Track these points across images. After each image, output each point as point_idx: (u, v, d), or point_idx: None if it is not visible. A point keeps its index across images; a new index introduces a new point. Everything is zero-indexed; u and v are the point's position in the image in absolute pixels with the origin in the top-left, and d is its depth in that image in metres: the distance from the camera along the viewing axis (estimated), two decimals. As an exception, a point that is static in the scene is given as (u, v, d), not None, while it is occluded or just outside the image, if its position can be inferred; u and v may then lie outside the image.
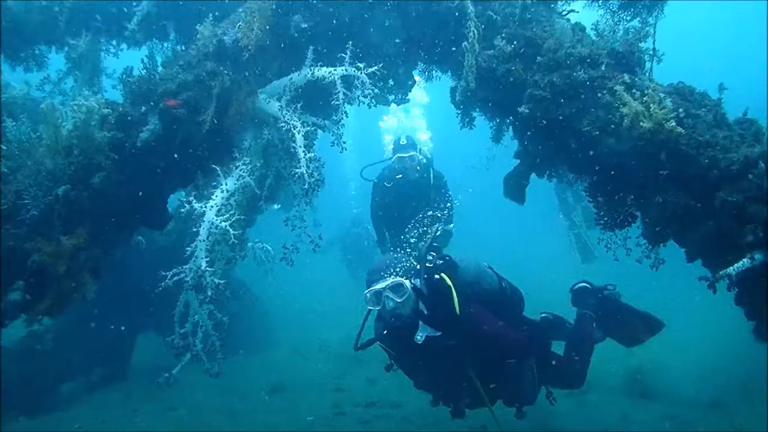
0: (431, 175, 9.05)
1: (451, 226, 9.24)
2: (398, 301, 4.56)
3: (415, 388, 5.16)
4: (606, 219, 5.07)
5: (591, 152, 4.86)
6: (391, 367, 5.07)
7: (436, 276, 4.74)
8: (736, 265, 4.23)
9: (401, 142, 8.89)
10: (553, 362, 5.34)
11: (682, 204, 4.55)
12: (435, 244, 5.09)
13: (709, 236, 4.49)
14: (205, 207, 5.17)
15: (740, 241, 4.26)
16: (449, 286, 4.65)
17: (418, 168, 8.93)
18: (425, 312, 4.64)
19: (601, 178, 5.04)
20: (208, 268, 5.15)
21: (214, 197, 5.21)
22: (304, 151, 5.12)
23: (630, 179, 4.80)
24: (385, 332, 4.73)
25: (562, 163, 5.33)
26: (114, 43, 6.63)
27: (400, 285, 4.59)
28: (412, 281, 4.69)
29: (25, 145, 5.37)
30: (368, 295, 4.65)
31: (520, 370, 4.91)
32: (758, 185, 4.28)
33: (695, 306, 10.93)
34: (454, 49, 5.70)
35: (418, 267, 4.81)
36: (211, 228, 5.23)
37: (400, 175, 8.91)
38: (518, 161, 5.56)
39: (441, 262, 4.92)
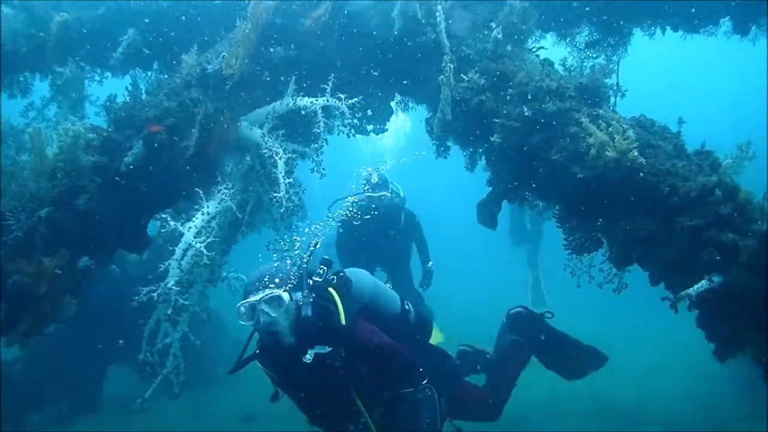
0: (402, 217, 8.69)
1: (430, 264, 9.08)
2: (274, 315, 3.98)
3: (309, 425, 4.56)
4: (574, 244, 5.30)
5: (559, 180, 5.09)
6: (276, 396, 4.45)
7: (324, 289, 4.31)
8: (695, 286, 4.46)
9: (372, 180, 8.32)
10: (465, 392, 5.10)
11: (646, 229, 4.77)
12: (326, 257, 4.55)
13: (671, 259, 4.71)
14: (184, 228, 5.30)
15: (699, 264, 4.52)
16: (335, 299, 4.22)
17: (390, 209, 8.46)
18: (309, 327, 4.06)
19: (569, 205, 5.27)
20: (174, 287, 5.25)
21: (194, 219, 5.35)
22: (284, 177, 5.29)
23: (596, 206, 5.02)
24: (257, 351, 4.23)
25: (532, 191, 5.55)
26: (98, 71, 6.79)
27: (278, 297, 4.00)
28: (296, 294, 4.12)
29: (9, 169, 5.47)
30: (241, 308, 4.05)
31: (418, 398, 4.44)
32: (715, 211, 4.56)
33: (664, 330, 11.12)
34: (428, 81, 5.96)
35: (310, 281, 4.28)
36: (186, 249, 5.37)
37: (368, 216, 8.15)
38: (490, 188, 5.78)
39: (333, 276, 4.45)
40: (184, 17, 6.50)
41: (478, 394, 5.23)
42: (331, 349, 4.02)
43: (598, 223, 5.11)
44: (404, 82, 6.20)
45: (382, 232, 8.51)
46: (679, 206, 4.66)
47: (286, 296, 4.03)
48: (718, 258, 4.44)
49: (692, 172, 4.77)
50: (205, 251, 5.20)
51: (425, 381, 4.54)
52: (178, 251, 5.30)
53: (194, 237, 5.25)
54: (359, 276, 4.62)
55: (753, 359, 4.58)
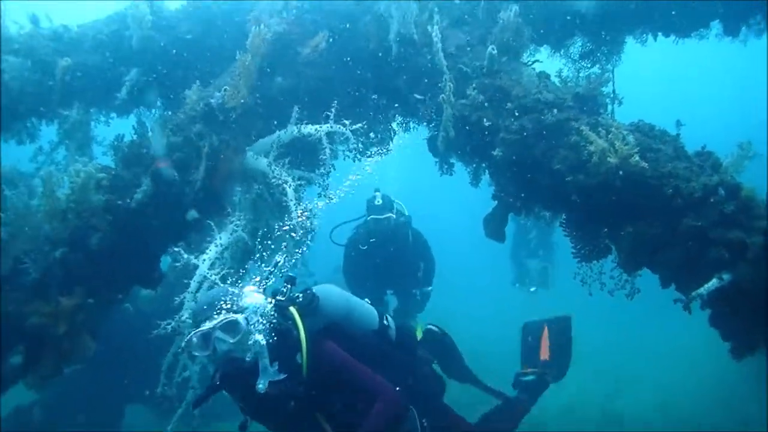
0: (410, 236, 8.43)
1: (430, 288, 8.84)
2: (232, 342, 3.64)
3: None
4: (582, 252, 5.35)
5: (563, 189, 5.15)
6: (245, 426, 4.02)
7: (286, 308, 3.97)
8: (706, 285, 4.51)
9: (376, 202, 8.13)
10: (451, 414, 4.73)
11: (652, 232, 4.83)
12: (290, 274, 4.24)
13: (680, 261, 4.76)
14: (198, 260, 5.37)
15: (708, 263, 4.57)
16: (295, 320, 3.87)
17: (396, 229, 8.24)
18: (267, 353, 3.73)
19: (575, 213, 5.33)
20: (188, 320, 5.30)
21: (208, 251, 5.42)
22: (295, 204, 5.37)
23: (602, 212, 5.08)
24: (217, 382, 3.79)
25: (536, 202, 5.62)
26: (104, 112, 6.92)
27: (234, 323, 3.65)
28: (253, 317, 3.76)
29: (21, 212, 5.57)
30: (194, 338, 3.67)
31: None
32: (719, 210, 4.62)
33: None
34: (427, 101, 6.07)
35: (270, 301, 3.94)
36: (201, 281, 5.43)
37: (374, 239, 8.16)
38: (496, 202, 5.85)
39: (298, 295, 4.11)
40: (185, 54, 6.63)
41: (465, 423, 4.83)
42: (286, 375, 3.70)
43: (605, 230, 5.17)
44: (404, 103, 6.30)
45: (391, 254, 8.25)
46: (683, 207, 4.72)
47: (242, 319, 3.67)
48: (727, 256, 4.50)
49: (694, 173, 4.84)
50: (220, 283, 5.25)
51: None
52: (193, 284, 5.36)
53: (208, 269, 5.32)
54: (328, 292, 4.25)
55: (765, 355, 4.62)
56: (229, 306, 3.71)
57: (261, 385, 3.63)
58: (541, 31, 6.41)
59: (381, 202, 8.13)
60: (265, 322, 3.76)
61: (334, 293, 4.29)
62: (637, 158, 4.76)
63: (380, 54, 6.20)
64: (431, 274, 8.74)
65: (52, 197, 5.45)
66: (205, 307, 3.77)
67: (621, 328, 14.39)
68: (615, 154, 4.76)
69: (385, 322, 4.48)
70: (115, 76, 6.70)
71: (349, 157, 5.99)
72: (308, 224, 5.47)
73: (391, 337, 4.48)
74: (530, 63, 6.01)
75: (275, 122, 6.07)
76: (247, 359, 3.68)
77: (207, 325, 3.65)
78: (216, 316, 3.68)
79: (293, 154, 6.00)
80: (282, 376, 3.69)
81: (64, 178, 5.38)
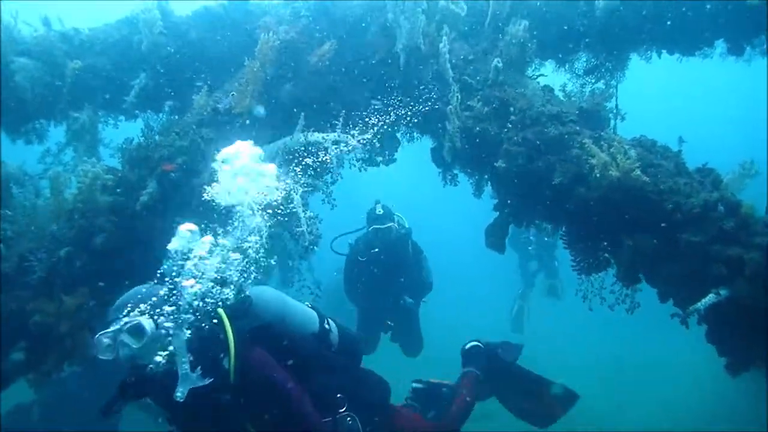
0: (410, 249, 8.28)
1: (417, 302, 8.51)
2: (136, 347, 3.28)
3: None
4: (582, 264, 5.39)
5: (564, 202, 5.20)
6: None
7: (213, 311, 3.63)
8: (703, 300, 4.56)
9: (377, 212, 8.00)
10: (399, 420, 4.54)
11: (651, 246, 4.88)
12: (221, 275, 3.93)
13: (678, 275, 4.81)
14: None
15: (706, 278, 4.61)
16: (223, 323, 3.56)
17: (397, 240, 8.10)
18: (188, 357, 3.37)
19: (576, 226, 5.37)
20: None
21: (214, 255, 5.45)
22: (303, 211, 5.41)
23: (602, 225, 5.13)
24: (119, 389, 3.39)
25: (538, 214, 5.67)
26: (112, 114, 7.00)
27: (137, 326, 3.30)
28: (172, 319, 3.41)
29: (28, 211, 5.64)
30: (103, 339, 3.30)
31: (336, 430, 3.87)
32: (719, 226, 4.67)
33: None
34: (432, 111, 6.13)
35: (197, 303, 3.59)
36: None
37: (375, 249, 8.04)
38: (497, 213, 5.89)
39: (230, 296, 3.80)
40: (194, 59, 6.71)
41: (416, 424, 4.74)
42: (209, 381, 3.32)
43: (605, 243, 5.21)
44: (409, 112, 6.36)
45: (392, 264, 8.14)
46: (683, 223, 4.77)
47: (148, 323, 3.32)
48: (725, 272, 4.54)
49: (694, 189, 4.89)
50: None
51: (344, 409, 3.99)
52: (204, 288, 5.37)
53: (215, 272, 5.35)
54: (263, 293, 4.01)
55: (764, 371, 4.64)
56: (144, 306, 3.38)
57: (179, 393, 3.26)
58: (547, 46, 6.47)
59: (382, 212, 8.03)
60: (187, 324, 3.42)
61: (268, 294, 4.07)
62: (639, 172, 4.82)
63: (387, 64, 6.26)
64: (426, 288, 8.57)
65: (59, 197, 5.52)
66: (117, 306, 3.46)
67: (624, 342, 14.42)
68: (617, 167, 4.81)
69: (326, 325, 4.25)
70: (124, 79, 6.77)
71: (355, 166, 6.05)
72: (316, 230, 5.53)
73: (331, 341, 4.27)
74: (535, 77, 6.07)
75: (282, 129, 6.13)
76: (156, 365, 3.32)
77: (112, 327, 3.32)
78: (123, 318, 3.35)
79: (298, 161, 6.05)
80: (206, 381, 3.33)
81: (71, 178, 5.44)
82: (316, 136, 5.72)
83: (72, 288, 5.51)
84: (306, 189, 5.61)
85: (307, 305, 4.29)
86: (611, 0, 6.03)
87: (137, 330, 3.30)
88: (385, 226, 7.93)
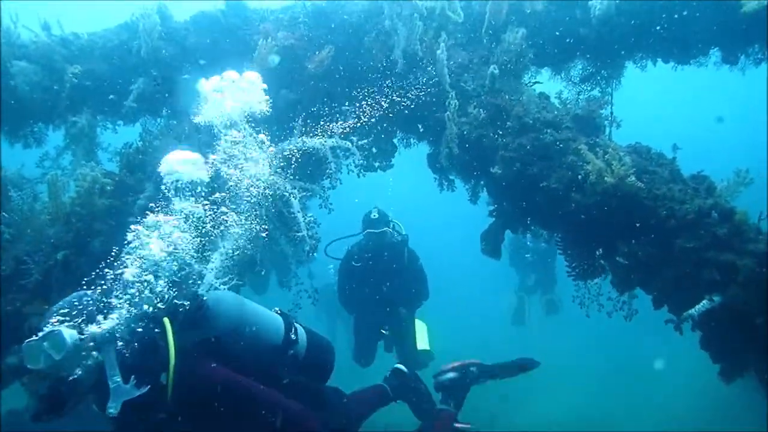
0: (405, 256, 7.98)
1: (410, 310, 8.18)
2: (57, 358, 3.00)
3: None
4: (577, 270, 5.43)
5: (559, 208, 5.24)
6: None
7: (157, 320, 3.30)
8: (697, 306, 4.59)
9: (372, 216, 7.81)
10: None
11: (646, 252, 4.91)
12: (175, 279, 3.63)
13: (672, 281, 4.84)
14: (206, 269, 5.42)
15: (699, 284, 4.64)
16: (166, 331, 3.23)
17: (392, 247, 7.90)
18: (121, 370, 3.09)
19: (571, 232, 5.41)
20: None
21: (213, 260, 5.47)
22: (303, 215, 5.44)
23: (597, 231, 5.16)
24: (39, 402, 3.11)
25: (533, 219, 5.70)
26: (111, 119, 7.03)
27: (59, 336, 3.02)
28: (103, 328, 3.12)
29: (26, 215, 5.67)
30: (27, 348, 3.04)
31: None
32: (712, 233, 4.71)
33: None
34: (429, 117, 6.17)
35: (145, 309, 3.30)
36: (210, 290, 5.46)
37: (369, 254, 7.85)
38: (493, 219, 5.93)
39: (182, 303, 3.45)
40: (192, 64, 6.75)
41: None
42: (145, 393, 3.02)
43: (599, 249, 5.25)
44: (406, 119, 6.40)
45: (385, 271, 7.90)
46: (677, 229, 4.81)
47: (69, 334, 3.04)
48: (718, 278, 4.58)
49: (689, 196, 4.93)
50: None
51: None
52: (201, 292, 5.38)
53: (214, 278, 5.37)
54: (220, 300, 3.67)
55: (757, 378, 4.67)
56: (74, 313, 3.13)
57: (112, 409, 2.99)
58: (543, 54, 6.52)
59: (377, 216, 7.82)
60: (122, 333, 3.14)
61: (227, 301, 3.73)
62: (634, 178, 4.86)
63: (385, 70, 6.30)
64: (421, 298, 8.27)
65: (56, 201, 5.55)
66: (51, 312, 3.19)
67: (624, 348, 14.47)
68: (611, 174, 4.85)
69: (292, 335, 3.82)
70: (122, 84, 6.80)
71: (353, 171, 6.09)
72: (315, 235, 5.56)
73: (297, 352, 3.85)
74: (531, 84, 6.12)
75: (280, 134, 6.16)
76: (80, 376, 3.05)
77: (34, 337, 3.06)
78: (48, 326, 3.09)
79: (294, 165, 6.08)
80: (140, 392, 3.03)
81: (69, 182, 5.47)
82: (314, 141, 5.75)
83: (69, 291, 5.52)
84: (304, 193, 5.65)
85: (276, 311, 3.93)
86: (607, 7, 6.07)
87: (57, 340, 3.03)
88: (379, 230, 7.72)
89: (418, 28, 6.03)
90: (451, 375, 4.87)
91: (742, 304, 4.42)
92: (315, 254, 5.78)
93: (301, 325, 4.04)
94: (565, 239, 5.52)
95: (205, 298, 3.61)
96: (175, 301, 3.41)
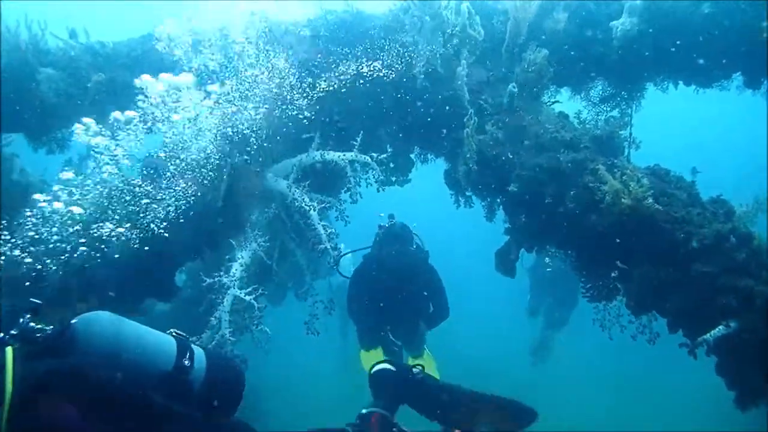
0: (424, 272, 7.33)
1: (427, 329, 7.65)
2: None
3: None
4: (591, 291, 5.39)
5: (575, 228, 5.20)
6: None
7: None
8: (712, 331, 4.52)
9: (393, 228, 7.32)
10: None
11: (662, 275, 4.86)
12: (33, 300, 3.09)
13: (688, 306, 4.78)
14: (228, 280, 5.47)
15: (716, 309, 4.58)
16: (5, 363, 2.60)
17: (413, 261, 7.26)
18: None
19: (586, 253, 5.37)
20: (230, 338, 5.37)
21: (233, 270, 5.51)
22: (323, 227, 5.46)
23: (613, 253, 5.12)
24: None
25: (548, 239, 5.67)
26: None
27: None
28: None
29: (47, 219, 5.73)
30: None
31: None
32: (730, 257, 4.65)
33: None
34: (447, 134, 6.18)
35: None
36: (233, 300, 5.50)
37: (389, 268, 7.11)
38: (508, 237, 5.91)
39: (44, 328, 2.88)
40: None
41: None
42: None
43: (615, 271, 5.20)
44: (424, 134, 6.43)
45: (399, 288, 7.22)
46: (694, 253, 4.75)
47: None
48: (735, 304, 4.52)
49: (707, 220, 4.88)
50: (255, 303, 5.35)
51: None
52: (226, 302, 5.40)
53: (238, 288, 5.42)
54: (90, 322, 3.04)
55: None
56: None
57: None
58: (563, 73, 6.52)
59: (399, 228, 7.30)
60: None
61: (99, 323, 3.08)
62: (651, 201, 4.82)
63: (405, 86, 6.33)
64: (439, 317, 7.63)
65: (77, 205, 5.61)
66: None
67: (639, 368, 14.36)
68: (629, 195, 4.82)
69: (185, 361, 3.21)
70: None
71: (371, 185, 6.11)
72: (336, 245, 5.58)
73: (191, 381, 3.23)
74: (550, 103, 6.11)
75: (298, 146, 6.20)
76: None
77: None
78: None
79: (314, 177, 6.12)
80: None
81: (90, 188, 5.54)
82: (333, 155, 5.78)
83: (85, 296, 5.58)
84: (323, 205, 5.66)
85: (173, 333, 3.32)
86: (629, 28, 6.07)
87: None
88: (401, 244, 7.20)
89: (438, 44, 6.06)
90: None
91: (759, 330, 4.36)
92: (337, 268, 5.77)
93: (203, 348, 3.41)
94: (580, 259, 5.49)
95: (74, 321, 2.99)
96: (32, 324, 2.84)
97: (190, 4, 6.81)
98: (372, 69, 6.21)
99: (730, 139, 27.06)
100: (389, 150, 6.05)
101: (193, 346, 3.28)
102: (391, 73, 6.22)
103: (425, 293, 7.32)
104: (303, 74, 6.28)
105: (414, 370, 4.42)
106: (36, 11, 6.81)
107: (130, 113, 5.15)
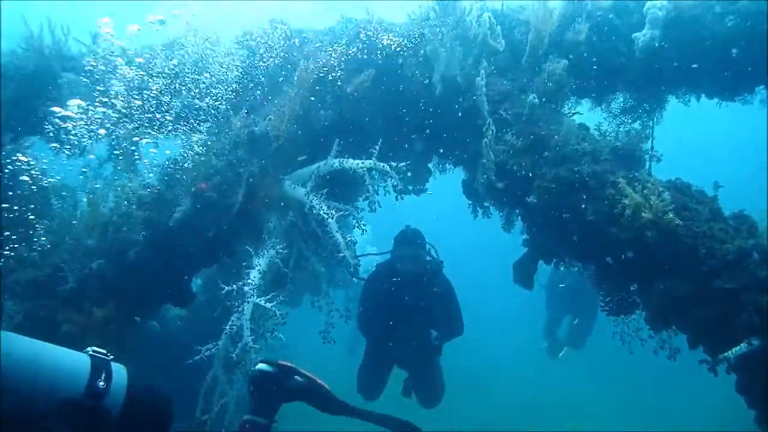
0: (437, 282, 7.11)
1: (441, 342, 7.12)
2: None
3: None
4: (610, 305, 5.33)
5: (595, 241, 5.15)
6: None
7: None
8: (734, 348, 4.45)
9: (406, 231, 7.12)
10: None
11: (682, 291, 4.79)
12: None
13: (709, 322, 4.71)
14: (249, 288, 5.46)
15: (737, 327, 4.50)
16: None
17: (425, 270, 7.04)
18: None
19: (605, 266, 5.31)
20: (253, 346, 5.36)
21: (252, 278, 5.50)
22: (342, 235, 5.44)
23: (632, 267, 5.06)
24: None
25: (567, 251, 5.62)
26: (152, 132, 7.14)
27: None
28: None
29: (65, 223, 5.78)
30: None
31: None
32: (752, 274, 4.58)
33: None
34: (465, 144, 6.15)
35: None
36: (254, 308, 5.47)
37: (401, 277, 6.98)
38: (526, 249, 5.86)
39: None
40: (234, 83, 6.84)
41: None
42: None
43: (634, 285, 5.14)
44: (442, 144, 6.39)
45: (412, 300, 7.05)
46: (716, 269, 4.68)
47: None
48: (757, 321, 4.44)
49: (729, 235, 4.81)
50: (277, 310, 5.34)
51: None
52: (247, 310, 5.38)
53: (257, 295, 5.41)
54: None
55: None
56: None
57: None
58: (583, 84, 6.47)
59: (413, 236, 7.05)
60: None
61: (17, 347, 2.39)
62: (672, 215, 4.76)
63: (423, 95, 6.31)
64: (453, 332, 7.31)
65: (95, 210, 5.65)
66: None
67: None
68: (649, 209, 4.76)
69: (100, 383, 2.43)
70: (164, 99, 6.92)
71: (390, 194, 6.09)
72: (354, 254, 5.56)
73: (107, 406, 2.48)
74: (570, 114, 6.06)
75: (317, 154, 6.19)
76: None
77: None
78: None
79: (331, 185, 6.10)
80: None
81: (108, 193, 5.58)
82: (352, 163, 5.76)
83: (102, 301, 5.61)
84: (341, 213, 5.63)
85: (91, 352, 2.54)
86: (651, 40, 6.01)
87: None
88: (411, 254, 6.95)
89: (458, 54, 6.04)
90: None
91: (781, 349, 4.29)
92: (356, 278, 5.73)
93: (126, 367, 2.65)
94: (599, 272, 5.43)
95: None
96: None
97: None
98: (391, 77, 6.24)
99: (730, 139, 26.90)
100: (407, 160, 6.02)
101: (114, 365, 2.54)
102: (410, 83, 6.23)
103: (438, 304, 7.09)
104: (323, 80, 6.29)
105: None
106: (60, 14, 6.87)
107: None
